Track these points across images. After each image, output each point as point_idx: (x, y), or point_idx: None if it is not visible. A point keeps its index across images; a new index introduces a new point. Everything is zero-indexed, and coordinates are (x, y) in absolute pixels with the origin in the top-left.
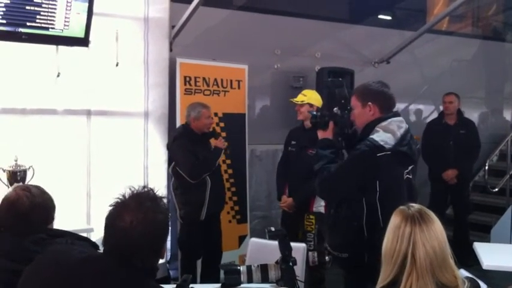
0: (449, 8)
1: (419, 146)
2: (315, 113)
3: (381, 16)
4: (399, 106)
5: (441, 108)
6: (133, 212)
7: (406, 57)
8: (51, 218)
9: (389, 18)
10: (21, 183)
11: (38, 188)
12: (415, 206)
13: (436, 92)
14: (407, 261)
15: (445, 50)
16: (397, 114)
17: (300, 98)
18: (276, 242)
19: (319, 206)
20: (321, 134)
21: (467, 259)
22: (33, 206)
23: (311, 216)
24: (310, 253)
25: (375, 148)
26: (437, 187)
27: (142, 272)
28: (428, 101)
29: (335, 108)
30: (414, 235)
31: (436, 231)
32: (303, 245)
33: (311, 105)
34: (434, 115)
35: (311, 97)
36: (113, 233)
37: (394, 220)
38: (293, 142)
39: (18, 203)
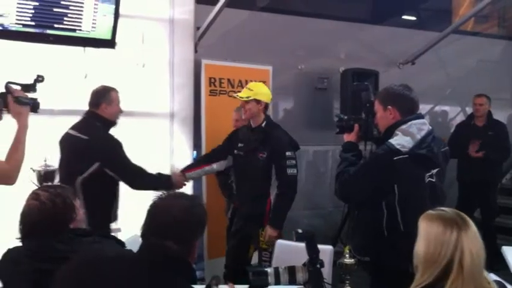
0: (475, 9)
1: (447, 148)
2: (342, 116)
3: (405, 17)
4: (424, 107)
5: (467, 109)
6: (179, 199)
7: (431, 58)
8: (68, 219)
9: (414, 18)
10: (49, 183)
11: (49, 191)
12: (448, 209)
13: (461, 93)
14: (454, 267)
15: (471, 51)
16: (419, 117)
17: (245, 93)
18: (302, 244)
19: None
20: (345, 137)
21: (495, 263)
22: (43, 214)
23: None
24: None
25: (391, 152)
26: (465, 189)
27: (177, 264)
28: (454, 102)
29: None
30: (461, 241)
31: (477, 234)
32: (330, 247)
33: (258, 102)
34: (460, 116)
35: (258, 92)
36: (156, 212)
37: (433, 225)
38: (240, 144)
39: (29, 216)
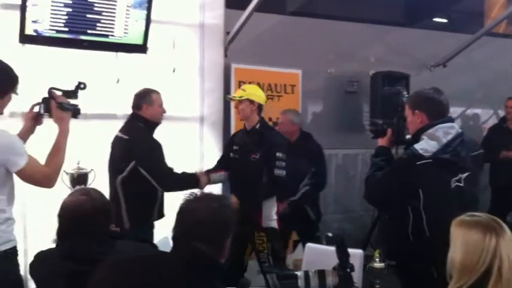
0: (508, 10)
1: (481, 152)
2: (376, 120)
3: (436, 19)
4: (456, 110)
5: (500, 112)
6: (205, 200)
7: (463, 60)
8: (111, 220)
9: (445, 21)
10: (82, 186)
11: (95, 190)
12: (482, 214)
13: (494, 95)
14: (492, 274)
15: (503, 53)
16: (448, 120)
17: (238, 94)
18: (332, 248)
19: (270, 220)
20: (379, 142)
21: None
22: (94, 209)
23: (261, 234)
24: (268, 276)
25: (414, 157)
26: (498, 193)
27: (207, 265)
28: (486, 105)
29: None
30: (499, 247)
31: None
32: (360, 251)
33: (251, 102)
34: (493, 119)
35: (251, 93)
36: (184, 214)
37: (471, 232)
38: (235, 147)
39: (80, 208)
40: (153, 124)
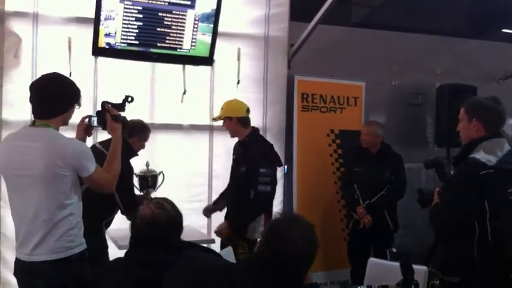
0: None
1: None
2: (422, 190)
3: (505, 30)
4: None
5: None
6: (307, 232)
7: None
8: (181, 230)
9: None
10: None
11: (168, 202)
12: None
13: None
14: None
15: None
16: (501, 135)
17: (219, 113)
18: (395, 263)
19: (254, 232)
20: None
21: None
22: (169, 223)
23: (244, 244)
24: None
25: (477, 166)
26: None
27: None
28: None
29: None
30: None
31: None
32: (425, 267)
33: (230, 118)
34: None
35: (227, 109)
36: (278, 241)
37: None
38: (233, 156)
39: (156, 221)
40: (133, 155)
